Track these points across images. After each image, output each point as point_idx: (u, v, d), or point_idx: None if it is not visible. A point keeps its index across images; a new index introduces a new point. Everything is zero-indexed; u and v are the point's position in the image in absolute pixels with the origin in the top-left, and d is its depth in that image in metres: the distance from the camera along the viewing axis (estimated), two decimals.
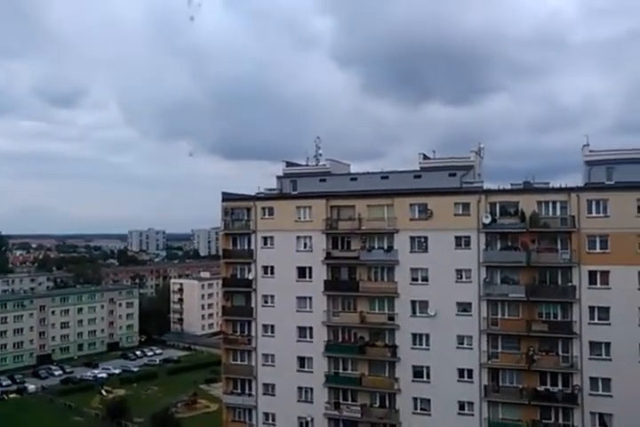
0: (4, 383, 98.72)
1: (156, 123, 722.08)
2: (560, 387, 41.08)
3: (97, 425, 77.80)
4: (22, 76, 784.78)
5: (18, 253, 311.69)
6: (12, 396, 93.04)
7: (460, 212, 43.31)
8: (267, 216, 49.83)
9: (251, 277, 50.23)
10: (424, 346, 44.22)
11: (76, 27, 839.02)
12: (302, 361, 48.19)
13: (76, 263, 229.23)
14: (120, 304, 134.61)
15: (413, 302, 44.55)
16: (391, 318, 45.41)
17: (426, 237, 44.17)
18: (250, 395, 50.30)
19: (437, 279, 43.71)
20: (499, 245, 42.98)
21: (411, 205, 44.82)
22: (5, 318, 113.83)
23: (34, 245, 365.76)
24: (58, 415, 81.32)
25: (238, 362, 51.34)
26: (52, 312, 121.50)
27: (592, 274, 40.24)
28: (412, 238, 44.64)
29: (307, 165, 54.72)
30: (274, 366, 49.31)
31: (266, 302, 49.82)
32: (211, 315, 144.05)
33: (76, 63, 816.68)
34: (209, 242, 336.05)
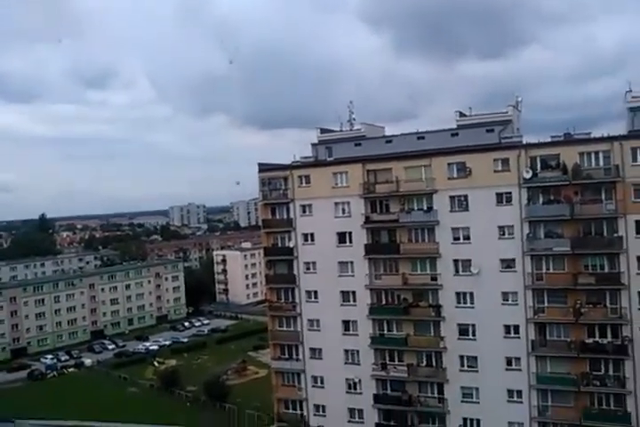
0: (62, 359, 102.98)
1: (188, 98, 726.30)
2: (609, 339, 40.56)
3: (152, 395, 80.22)
4: (54, 61, 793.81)
5: (64, 234, 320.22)
6: (70, 370, 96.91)
7: (500, 168, 42.44)
8: (304, 184, 49.82)
9: (292, 246, 50.52)
10: (468, 304, 44.02)
11: (103, 7, 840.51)
12: (347, 325, 48.58)
13: (121, 241, 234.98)
14: (166, 278, 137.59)
15: (456, 262, 44.21)
16: (434, 279, 45.26)
17: (466, 196, 43.53)
18: (297, 360, 51.14)
19: (479, 237, 43.20)
20: (541, 200, 42.07)
21: (448, 164, 44.10)
22: (58, 297, 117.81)
23: (79, 226, 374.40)
24: (114, 387, 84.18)
25: (284, 328, 52.09)
26: (102, 289, 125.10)
27: (639, 223, 39.17)
28: (452, 198, 44.05)
29: (341, 131, 54.16)
30: (319, 330, 49.87)
31: (308, 268, 50.16)
32: (255, 284, 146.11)
33: (106, 44, 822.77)
34: (248, 213, 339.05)
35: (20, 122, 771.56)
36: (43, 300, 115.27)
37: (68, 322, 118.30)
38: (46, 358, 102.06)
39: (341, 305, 48.57)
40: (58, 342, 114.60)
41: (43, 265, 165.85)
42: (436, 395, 45.85)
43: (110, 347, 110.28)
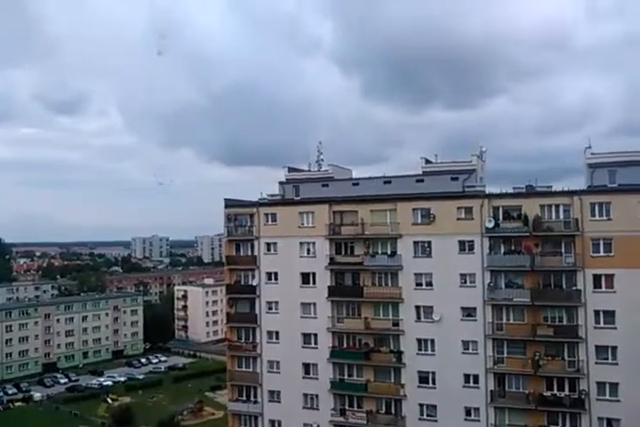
0: (9, 392, 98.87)
1: (157, 129, 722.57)
2: (567, 392, 40.84)
3: None
4: (23, 84, 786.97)
5: (22, 261, 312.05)
6: (17, 404, 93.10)
7: (463, 216, 43.24)
8: (270, 222, 49.83)
9: (255, 284, 50.17)
10: (429, 351, 44.07)
11: (77, 34, 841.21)
12: (307, 368, 48.08)
13: (80, 271, 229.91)
14: (125, 312, 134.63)
15: (418, 308, 44.41)
16: (396, 324, 45.29)
17: (429, 242, 44.08)
18: (255, 402, 50.18)
19: (442, 284, 43.60)
20: (502, 250, 42.84)
21: (413, 209, 44.77)
22: (10, 326, 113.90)
23: (38, 254, 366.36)
24: (64, 424, 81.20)
25: (243, 369, 51.23)
26: (57, 320, 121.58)
27: (597, 278, 40.06)
28: (416, 243, 44.55)
29: (309, 171, 54.82)
30: (279, 372, 49.20)
31: (270, 308, 49.75)
32: (215, 322, 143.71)
33: (78, 70, 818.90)
34: (212, 249, 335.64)
35: None
36: None
37: (20, 353, 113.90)
38: None
39: (302, 347, 48.14)
40: (7, 374, 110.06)
41: None
42: None
43: (62, 381, 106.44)
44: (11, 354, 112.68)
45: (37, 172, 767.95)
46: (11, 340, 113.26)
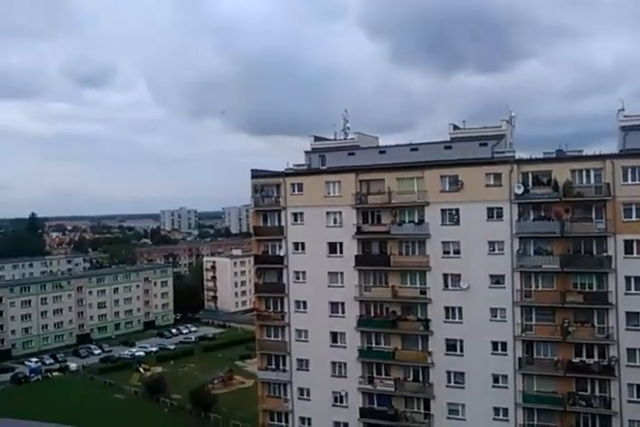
0: (47, 362, 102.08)
1: (184, 101, 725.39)
2: (596, 358, 40.49)
3: (137, 402, 79.49)
4: (50, 58, 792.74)
5: (54, 235, 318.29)
6: (55, 374, 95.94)
7: (492, 182, 42.47)
8: (296, 192, 49.61)
9: (282, 254, 50.25)
10: (457, 319, 43.89)
11: (102, 5, 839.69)
12: (335, 336, 48.27)
13: (111, 244, 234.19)
14: (155, 283, 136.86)
15: (445, 276, 44.11)
16: (423, 292, 45.12)
17: (457, 210, 43.49)
18: (284, 370, 50.68)
19: (469, 252, 43.14)
20: (532, 216, 42.12)
21: (441, 176, 44.11)
22: (45, 299, 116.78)
23: (69, 227, 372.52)
24: (99, 393, 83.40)
25: (272, 338, 51.65)
26: (90, 293, 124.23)
27: (628, 243, 39.25)
28: (443, 211, 44.01)
29: (335, 139, 54.13)
30: (307, 341, 49.52)
31: (297, 278, 49.87)
32: (244, 292, 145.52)
33: (103, 43, 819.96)
34: (240, 220, 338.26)
35: (13, 119, 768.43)
36: (29, 301, 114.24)
37: (55, 325, 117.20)
38: (30, 362, 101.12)
39: (330, 316, 48.27)
40: (43, 345, 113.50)
41: (31, 266, 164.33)
42: (422, 411, 45.49)
43: (96, 352, 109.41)
44: (47, 326, 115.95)
45: (66, 146, 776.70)
46: (46, 312, 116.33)
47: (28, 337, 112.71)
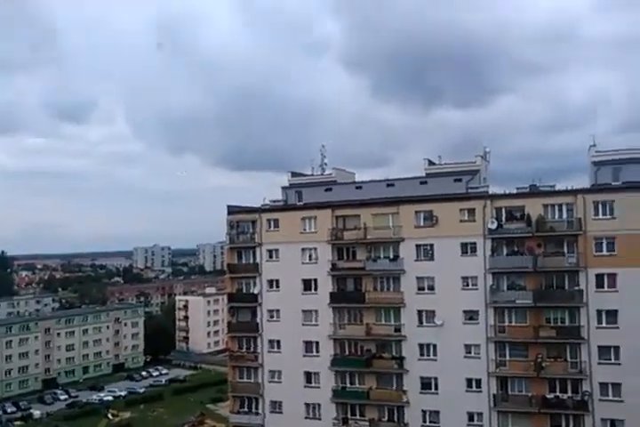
0: (9, 410, 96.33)
1: (162, 136, 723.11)
2: (570, 394, 40.36)
3: None
4: (29, 92, 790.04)
5: (23, 273, 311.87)
6: (17, 423, 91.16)
7: (466, 218, 42.79)
8: (272, 228, 49.37)
9: (256, 292, 49.64)
10: (431, 356, 43.49)
11: (83, 40, 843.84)
12: (309, 376, 47.45)
13: (82, 283, 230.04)
14: (125, 324, 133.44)
15: (420, 312, 43.87)
16: (397, 330, 44.75)
17: (432, 245, 43.58)
18: (257, 413, 49.48)
19: (444, 288, 43.08)
20: (505, 251, 42.43)
21: (416, 212, 44.33)
22: (10, 341, 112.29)
23: (39, 266, 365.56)
24: None
25: (245, 380, 50.57)
26: (58, 334, 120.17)
27: (599, 277, 39.61)
28: (418, 246, 44.06)
29: (312, 175, 54.42)
30: (281, 382, 48.58)
31: (272, 316, 49.20)
32: (217, 332, 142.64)
33: (84, 77, 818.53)
34: (214, 257, 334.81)
35: None
36: None
37: (19, 369, 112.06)
38: None
39: (304, 356, 47.55)
40: (6, 392, 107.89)
41: None
42: None
43: (62, 397, 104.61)
44: (10, 371, 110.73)
45: (40, 180, 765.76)
46: (11, 356, 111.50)
47: None
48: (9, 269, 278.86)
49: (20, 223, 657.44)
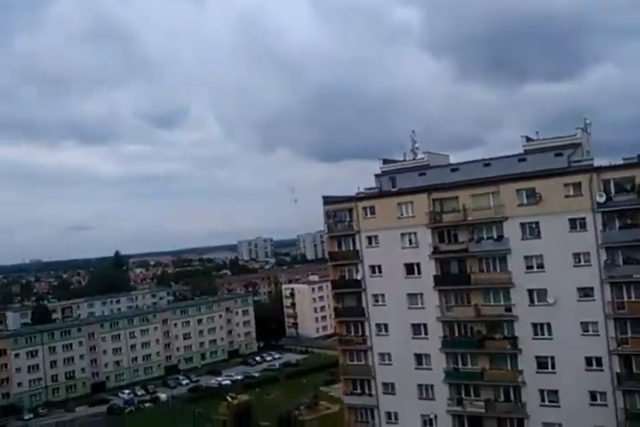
0: (139, 393, 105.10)
1: (253, 134, 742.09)
2: None
3: None
4: (125, 103, 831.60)
5: (138, 270, 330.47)
6: (147, 405, 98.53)
7: (572, 193, 41.18)
8: (369, 216, 49.65)
9: (359, 278, 50.21)
10: (546, 335, 42.37)
11: (169, 49, 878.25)
12: (420, 358, 47.58)
13: (192, 277, 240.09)
14: (236, 313, 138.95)
15: (530, 291, 42.78)
16: (508, 309, 43.89)
17: (537, 223, 42.29)
18: (370, 395, 50.20)
19: (554, 265, 41.74)
20: (617, 225, 40.48)
21: (517, 190, 43.10)
22: (133, 332, 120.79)
23: (152, 263, 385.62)
24: (189, 422, 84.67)
25: (355, 362, 51.39)
26: (175, 325, 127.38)
27: None
28: (523, 225, 42.89)
29: (404, 161, 54.03)
30: (391, 364, 49.00)
31: (376, 300, 49.62)
32: (324, 317, 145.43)
33: (174, 84, 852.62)
34: (315, 246, 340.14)
35: (94, 163, 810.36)
36: (119, 335, 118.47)
37: (144, 357, 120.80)
38: (124, 393, 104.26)
39: (413, 338, 47.69)
40: (134, 377, 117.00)
41: (118, 302, 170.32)
42: None
43: (184, 382, 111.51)
44: (136, 359, 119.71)
45: (144, 185, 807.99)
46: (135, 346, 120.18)
47: (119, 370, 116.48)
48: (125, 268, 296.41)
49: (130, 225, 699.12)
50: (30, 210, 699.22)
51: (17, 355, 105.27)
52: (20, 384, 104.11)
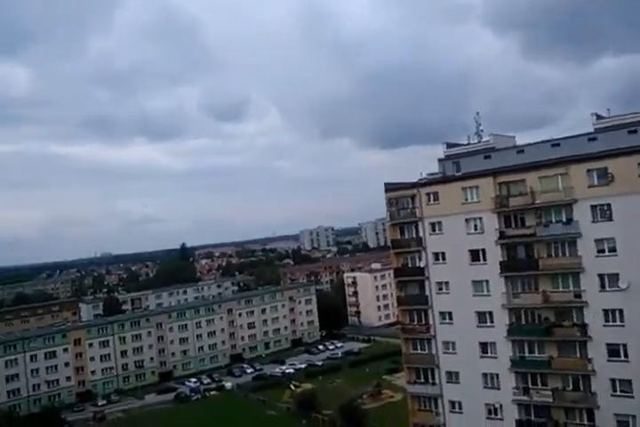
0: (205, 382, 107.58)
1: (313, 123, 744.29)
2: None
3: (289, 418, 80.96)
4: (190, 99, 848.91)
5: (204, 262, 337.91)
6: (212, 393, 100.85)
7: None
8: (432, 202, 48.73)
9: (422, 265, 49.45)
10: (618, 322, 40.38)
11: (230, 43, 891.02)
12: (485, 346, 46.47)
13: (256, 267, 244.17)
14: (299, 302, 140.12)
15: (601, 276, 40.86)
16: (577, 296, 42.13)
17: (609, 205, 40.21)
18: (434, 384, 49.49)
19: (627, 249, 39.66)
20: None
21: (588, 170, 41.08)
22: (199, 322, 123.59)
23: (216, 254, 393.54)
24: (254, 410, 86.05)
25: (418, 351, 50.76)
26: (239, 314, 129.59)
27: None
28: (594, 207, 40.92)
29: (468, 144, 52.68)
30: (455, 353, 48.11)
31: (440, 288, 48.75)
32: (386, 306, 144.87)
33: (235, 78, 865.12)
34: (377, 234, 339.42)
35: (160, 158, 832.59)
36: (185, 325, 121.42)
37: (209, 347, 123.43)
38: (190, 382, 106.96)
39: (477, 326, 46.60)
40: (200, 366, 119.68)
41: (185, 292, 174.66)
42: (585, 422, 42.21)
43: (248, 371, 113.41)
44: (202, 348, 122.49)
45: (208, 178, 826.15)
46: (201, 335, 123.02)
47: (186, 359, 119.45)
48: (191, 259, 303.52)
49: (195, 217, 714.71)
50: (101, 205, 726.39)
51: (90, 345, 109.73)
52: (93, 372, 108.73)
